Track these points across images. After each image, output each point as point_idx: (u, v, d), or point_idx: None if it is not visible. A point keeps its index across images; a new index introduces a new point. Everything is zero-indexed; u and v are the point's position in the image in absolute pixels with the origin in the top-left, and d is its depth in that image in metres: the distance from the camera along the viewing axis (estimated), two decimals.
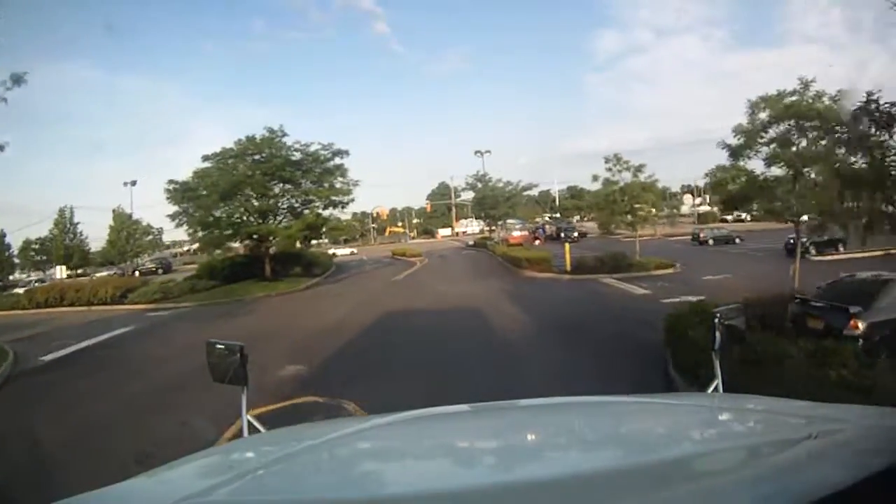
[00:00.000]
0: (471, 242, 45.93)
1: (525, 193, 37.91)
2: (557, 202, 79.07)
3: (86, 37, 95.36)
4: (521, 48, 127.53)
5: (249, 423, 1.73)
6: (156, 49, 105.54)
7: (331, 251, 42.06)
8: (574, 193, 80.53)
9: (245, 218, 22.05)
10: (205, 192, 21.27)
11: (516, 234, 43.08)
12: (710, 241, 31.64)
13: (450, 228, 73.83)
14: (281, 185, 22.49)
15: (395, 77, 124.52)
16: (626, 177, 19.26)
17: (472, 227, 65.07)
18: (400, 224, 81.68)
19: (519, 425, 1.56)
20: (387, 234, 77.96)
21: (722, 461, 1.06)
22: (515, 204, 36.05)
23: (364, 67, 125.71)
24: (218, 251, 22.26)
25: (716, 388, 1.76)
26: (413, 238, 72.94)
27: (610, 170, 19.35)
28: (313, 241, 25.38)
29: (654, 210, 20.12)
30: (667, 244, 29.55)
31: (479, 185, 36.04)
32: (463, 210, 70.19)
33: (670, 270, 18.72)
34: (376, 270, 28.21)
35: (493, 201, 34.54)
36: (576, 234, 44.73)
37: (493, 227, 39.90)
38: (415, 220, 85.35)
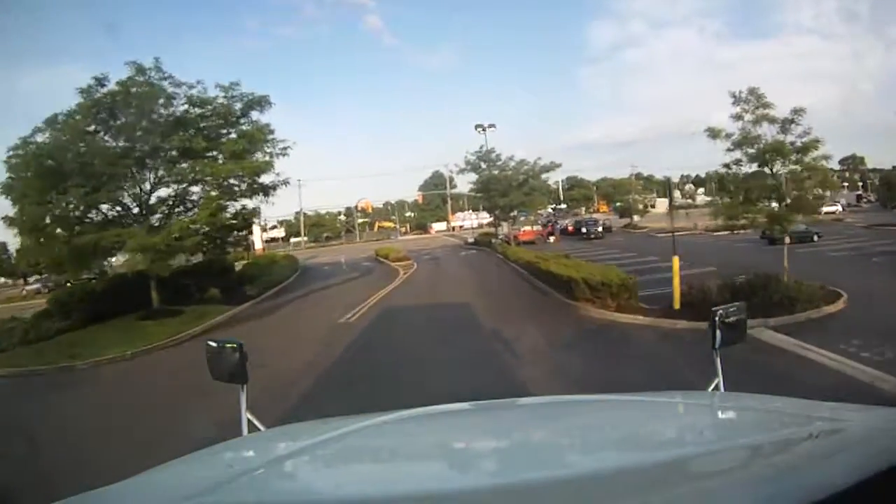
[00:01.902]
0: (471, 240, 37.30)
1: (544, 176, 28.02)
2: (561, 193, 71.95)
3: (60, 32, 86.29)
4: (515, 39, 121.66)
5: (249, 422, 1.69)
6: (142, 46, 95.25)
7: None
8: (574, 184, 77.73)
9: (87, 215, 13.08)
10: (28, 175, 12.38)
11: (528, 228, 34.95)
12: (787, 239, 23.45)
13: (445, 223, 64.79)
14: (160, 157, 13.44)
15: (387, 70, 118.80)
16: (768, 133, 10.06)
17: (469, 220, 56.79)
18: (392, 218, 73.10)
19: (518, 424, 1.54)
20: (375, 229, 69.81)
21: (722, 461, 1.02)
22: (534, 189, 26.75)
23: (356, 61, 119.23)
24: (61, 267, 13.20)
25: (716, 387, 1.69)
26: (404, 234, 64.21)
27: (739, 117, 10.17)
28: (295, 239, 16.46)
29: (822, 192, 11.37)
30: (719, 243, 21.17)
31: (484, 165, 26.66)
32: (459, 203, 62.38)
33: (841, 306, 9.97)
34: (343, 285, 20.56)
35: (503, 186, 25.45)
36: (600, 228, 36.93)
37: (500, 222, 30.85)
38: (408, 214, 77.37)
